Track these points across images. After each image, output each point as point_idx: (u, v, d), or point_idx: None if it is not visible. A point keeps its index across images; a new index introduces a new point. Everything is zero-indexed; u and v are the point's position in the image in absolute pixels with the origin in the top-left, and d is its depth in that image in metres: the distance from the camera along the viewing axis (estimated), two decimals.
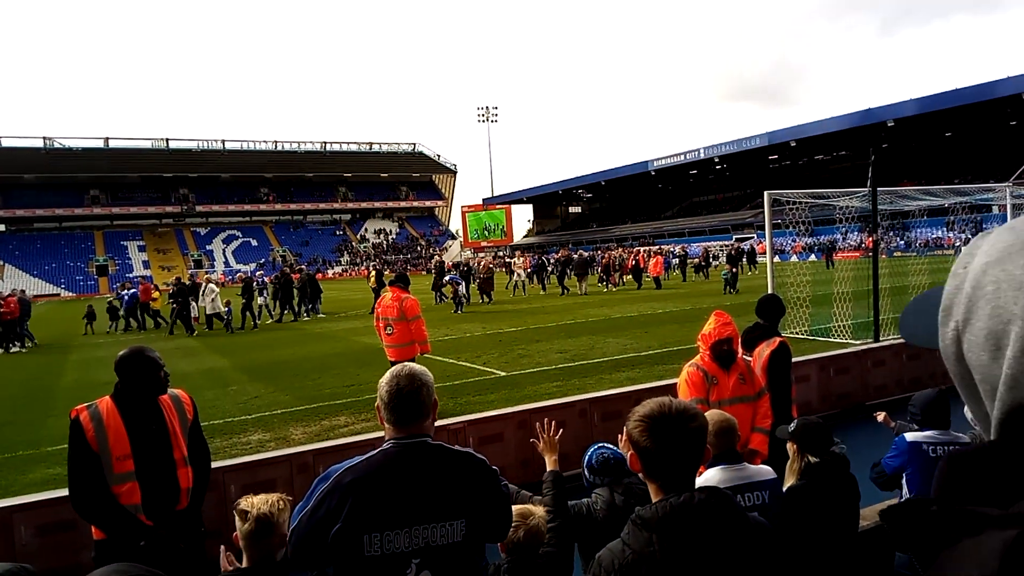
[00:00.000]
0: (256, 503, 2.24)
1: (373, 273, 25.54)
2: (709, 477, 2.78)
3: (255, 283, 25.91)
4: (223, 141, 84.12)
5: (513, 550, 2.51)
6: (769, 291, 10.34)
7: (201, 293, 21.88)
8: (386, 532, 1.87)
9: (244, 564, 2.21)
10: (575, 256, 31.32)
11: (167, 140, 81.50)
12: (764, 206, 11.52)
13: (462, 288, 24.56)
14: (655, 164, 71.55)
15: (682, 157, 68.75)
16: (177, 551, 3.19)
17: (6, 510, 4.48)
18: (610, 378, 10.02)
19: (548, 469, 2.89)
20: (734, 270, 24.63)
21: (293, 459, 5.21)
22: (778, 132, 58.48)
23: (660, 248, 38.07)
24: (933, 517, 0.54)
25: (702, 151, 66.17)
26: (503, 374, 11.29)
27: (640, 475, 1.72)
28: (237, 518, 2.23)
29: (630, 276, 30.64)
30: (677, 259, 37.06)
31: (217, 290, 22.07)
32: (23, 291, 22.95)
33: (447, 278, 25.85)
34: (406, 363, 2.14)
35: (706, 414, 2.99)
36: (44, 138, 76.28)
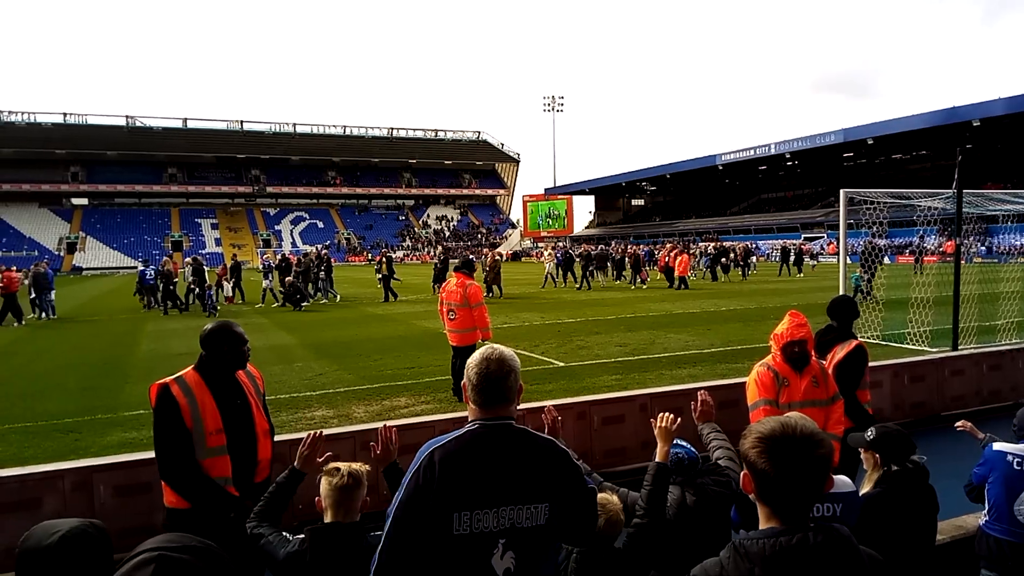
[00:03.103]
0: (343, 465, 2.41)
1: (384, 261, 25.64)
2: None
3: (262, 265, 26.30)
4: (294, 124, 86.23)
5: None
6: (840, 292, 10.01)
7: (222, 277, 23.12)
8: (475, 511, 1.90)
9: (327, 519, 2.33)
10: (594, 251, 30.93)
11: (241, 122, 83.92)
12: (839, 205, 11.12)
13: None
14: (723, 158, 70.00)
15: (751, 152, 67.02)
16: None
17: (87, 469, 4.69)
18: (671, 374, 9.89)
19: (656, 460, 2.77)
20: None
21: (357, 436, 5.31)
22: (855, 129, 56.39)
23: (686, 246, 36.57)
24: None
25: (772, 146, 64.36)
26: (561, 364, 11.26)
27: (751, 496, 1.61)
28: (325, 477, 2.36)
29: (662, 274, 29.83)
30: (707, 258, 34.92)
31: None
32: (45, 263, 23.69)
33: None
34: (496, 346, 2.15)
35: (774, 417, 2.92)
36: (127, 116, 79.56)
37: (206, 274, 23.14)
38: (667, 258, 29.37)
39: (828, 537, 1.50)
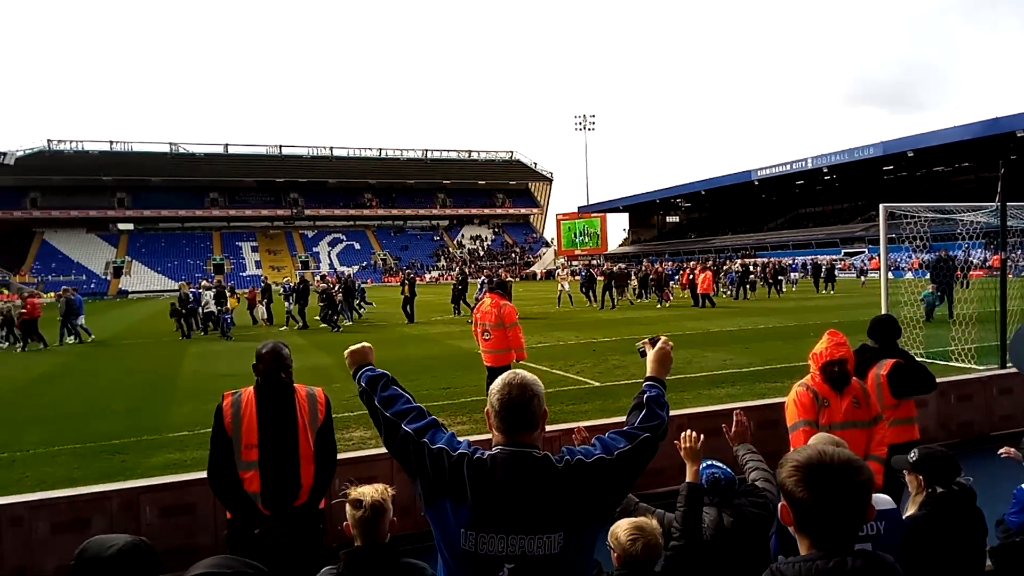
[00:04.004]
0: (367, 492, 2.36)
1: (406, 283, 25.55)
2: None
3: (282, 289, 26.30)
4: (331, 148, 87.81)
5: (629, 563, 2.47)
6: (883, 310, 9.80)
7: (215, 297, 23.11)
8: (481, 534, 1.90)
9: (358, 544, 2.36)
10: (614, 270, 30.82)
11: (280, 147, 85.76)
12: (879, 219, 10.93)
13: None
14: (758, 173, 69.31)
15: (788, 167, 66.27)
16: (286, 543, 3.27)
17: (134, 491, 4.80)
18: (709, 394, 9.77)
19: (687, 480, 2.76)
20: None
21: (393, 460, 5.36)
22: (894, 142, 55.45)
23: (708, 264, 35.84)
24: None
25: (809, 160, 63.56)
26: (597, 384, 11.21)
27: (791, 528, 1.58)
28: (349, 507, 2.35)
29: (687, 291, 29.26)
30: (731, 275, 34.04)
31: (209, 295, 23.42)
32: (75, 289, 24.25)
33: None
34: (518, 371, 2.13)
35: (814, 437, 2.87)
36: (170, 143, 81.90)
37: (227, 298, 23.30)
38: (689, 276, 28.81)
39: (868, 563, 1.47)
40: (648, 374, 2.40)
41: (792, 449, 3.94)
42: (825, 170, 65.14)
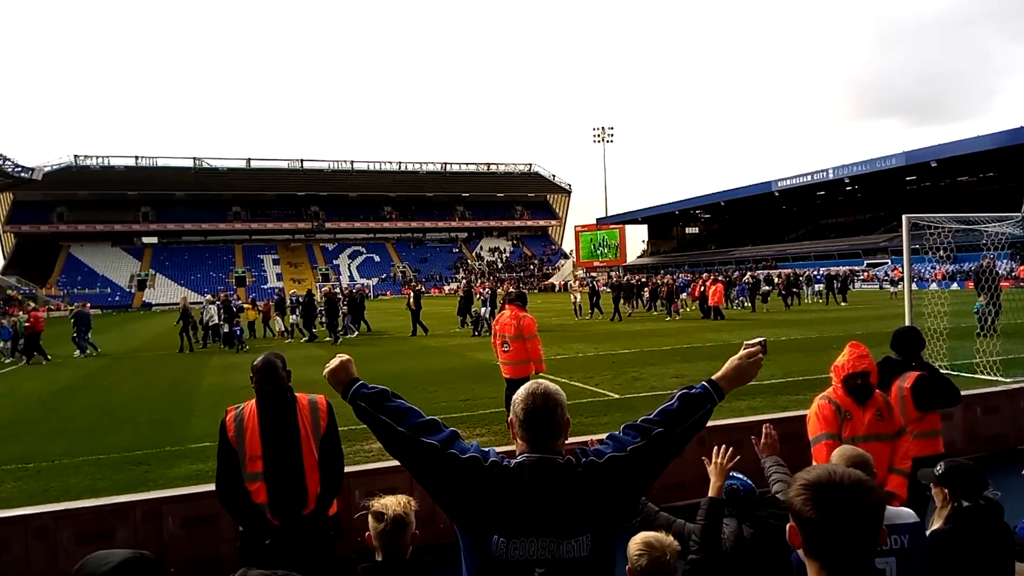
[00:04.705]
0: (390, 504, 2.33)
1: (411, 294, 25.74)
2: None
3: (289, 301, 26.36)
4: (351, 162, 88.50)
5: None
6: (906, 322, 9.68)
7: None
8: (512, 540, 1.93)
9: (379, 559, 2.31)
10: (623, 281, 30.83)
11: (302, 160, 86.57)
12: (902, 230, 10.80)
13: (485, 311, 24.22)
14: (779, 184, 68.85)
15: (809, 177, 65.78)
16: (298, 552, 3.30)
17: (156, 501, 4.86)
18: (729, 406, 9.67)
19: (710, 494, 2.74)
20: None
21: None
22: (917, 152, 54.86)
23: (718, 276, 35.34)
24: None
25: (831, 171, 63.05)
26: (616, 396, 11.16)
27: (799, 552, 1.52)
28: (371, 519, 2.32)
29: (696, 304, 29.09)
30: (742, 287, 33.46)
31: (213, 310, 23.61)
32: (84, 304, 24.52)
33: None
34: (541, 381, 2.16)
35: (837, 449, 2.84)
36: (194, 158, 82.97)
37: (234, 312, 23.31)
38: (701, 288, 28.40)
39: None
40: (714, 376, 2.31)
41: (813, 462, 3.91)
42: (847, 180, 64.56)
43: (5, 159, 53.95)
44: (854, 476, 1.47)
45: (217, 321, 23.25)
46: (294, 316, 25.16)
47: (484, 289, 27.42)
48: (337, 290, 27.91)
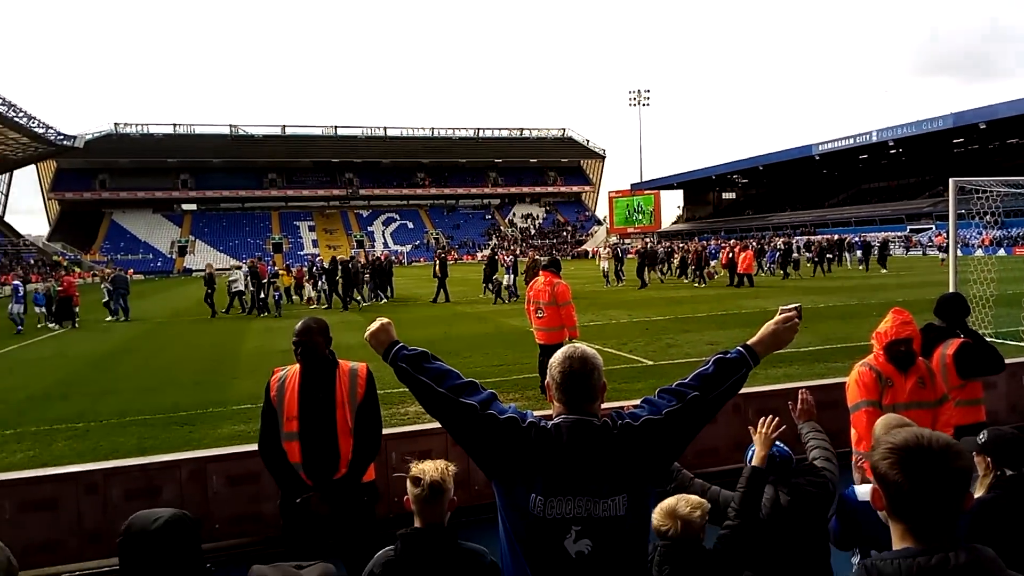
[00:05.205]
0: (427, 470, 2.32)
1: (437, 261, 25.86)
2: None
3: (314, 269, 26.35)
4: (385, 128, 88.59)
5: (667, 542, 2.47)
6: (951, 288, 9.44)
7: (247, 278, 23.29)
8: (549, 498, 1.97)
9: (416, 525, 2.32)
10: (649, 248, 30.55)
11: (335, 127, 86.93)
12: (948, 194, 10.47)
13: (508, 278, 24.15)
14: (820, 148, 67.20)
15: (851, 140, 64.05)
16: (327, 513, 3.38)
17: (201, 460, 5.00)
18: (765, 373, 9.59)
19: (752, 463, 2.73)
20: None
21: (448, 434, 5.44)
22: (966, 113, 52.92)
23: (748, 242, 34.45)
24: None
25: (874, 134, 61.25)
26: (650, 363, 11.13)
27: (881, 514, 1.52)
28: (409, 483, 2.32)
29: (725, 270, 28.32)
30: (772, 253, 32.91)
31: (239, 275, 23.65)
32: (118, 269, 24.81)
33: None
34: (578, 345, 2.19)
35: (882, 418, 2.80)
36: (230, 125, 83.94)
37: (260, 278, 23.42)
38: (730, 254, 27.78)
39: (973, 558, 1.39)
40: (749, 341, 2.29)
41: (852, 430, 3.86)
42: (891, 143, 62.72)
43: (48, 127, 54.99)
44: (943, 440, 1.46)
45: (241, 288, 23.39)
46: (319, 283, 25.27)
47: (508, 257, 27.29)
48: (356, 256, 27.92)
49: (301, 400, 3.42)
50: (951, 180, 10.43)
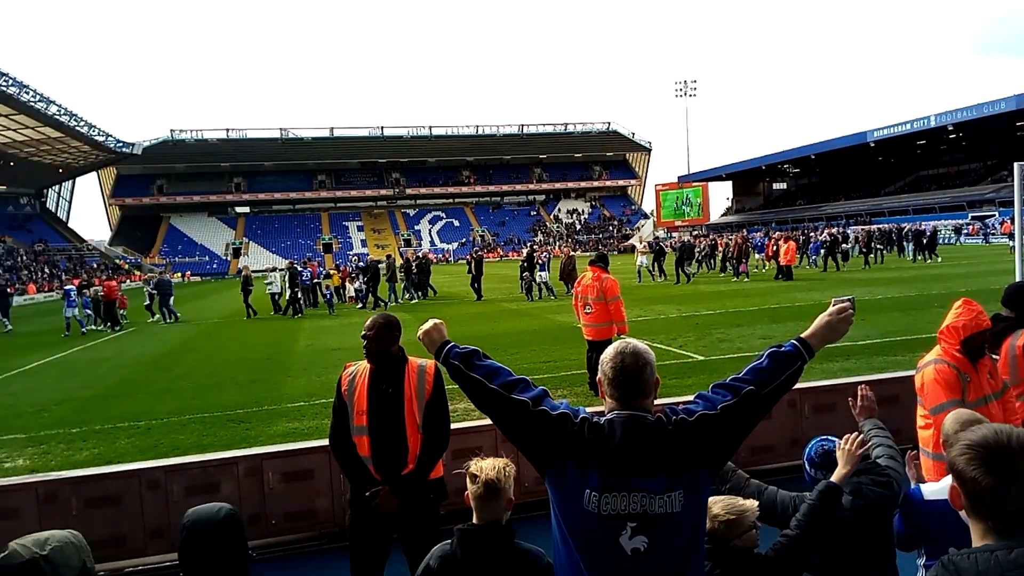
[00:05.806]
0: (485, 468, 2.30)
1: (472, 260, 25.90)
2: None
3: (351, 269, 26.52)
4: (430, 127, 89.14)
5: (711, 538, 2.38)
6: (1017, 277, 9.03)
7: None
8: (604, 494, 1.94)
9: (475, 521, 2.31)
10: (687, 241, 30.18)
11: (382, 128, 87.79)
12: (1013, 179, 10.01)
13: (543, 275, 23.86)
14: (874, 135, 65.10)
15: (907, 126, 61.83)
16: (395, 507, 3.40)
17: (258, 457, 5.11)
18: (821, 368, 9.34)
19: (832, 478, 2.57)
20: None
21: (497, 431, 5.44)
22: None
23: (795, 234, 33.24)
24: None
25: (932, 118, 59.00)
26: (701, 358, 10.96)
27: (961, 512, 1.48)
28: (468, 480, 2.32)
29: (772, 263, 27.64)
30: (816, 245, 31.81)
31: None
32: (161, 272, 25.16)
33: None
34: (630, 340, 2.16)
35: (952, 413, 2.64)
36: (280, 129, 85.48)
37: (297, 280, 23.28)
38: (774, 246, 27.00)
39: None
40: (803, 334, 2.24)
41: (927, 431, 3.70)
42: (950, 128, 60.31)
43: (108, 135, 57.04)
44: (1022, 436, 1.41)
45: (276, 290, 23.57)
46: (358, 283, 25.40)
47: (543, 255, 27.21)
48: (388, 256, 28.28)
49: (370, 395, 3.48)
50: (1016, 165, 9.94)
